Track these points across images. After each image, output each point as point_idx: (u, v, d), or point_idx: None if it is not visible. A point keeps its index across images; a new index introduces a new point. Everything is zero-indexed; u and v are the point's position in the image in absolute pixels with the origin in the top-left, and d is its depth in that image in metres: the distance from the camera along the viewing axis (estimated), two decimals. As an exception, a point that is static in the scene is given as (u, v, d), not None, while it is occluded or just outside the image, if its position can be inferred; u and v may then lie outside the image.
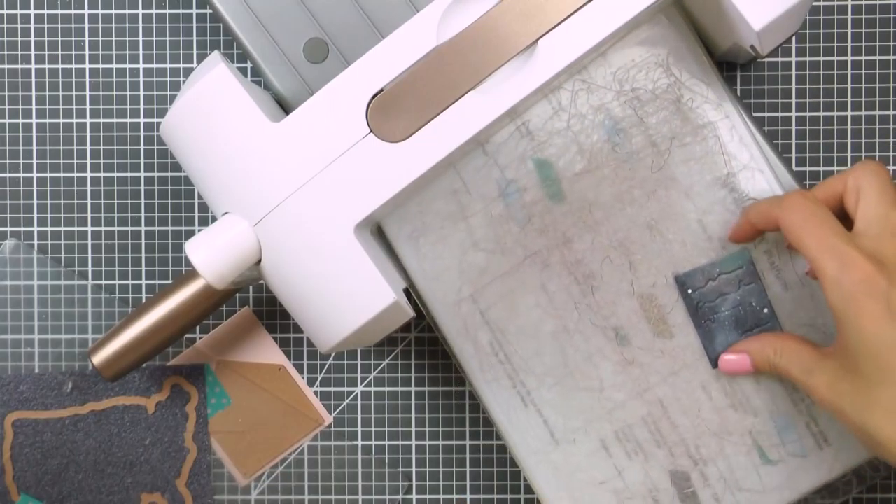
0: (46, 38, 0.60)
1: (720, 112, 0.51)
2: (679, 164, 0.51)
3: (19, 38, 0.60)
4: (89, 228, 0.60)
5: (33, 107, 0.60)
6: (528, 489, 0.59)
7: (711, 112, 0.51)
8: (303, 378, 0.60)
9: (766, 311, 0.51)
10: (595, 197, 0.51)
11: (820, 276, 0.45)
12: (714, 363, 0.51)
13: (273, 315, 0.60)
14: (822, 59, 0.59)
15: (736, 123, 0.51)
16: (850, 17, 0.59)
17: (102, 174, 0.60)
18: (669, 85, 0.51)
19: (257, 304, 0.60)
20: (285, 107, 0.55)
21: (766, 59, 0.59)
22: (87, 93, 0.60)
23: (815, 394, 0.46)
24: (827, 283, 0.44)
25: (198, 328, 0.60)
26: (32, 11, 0.60)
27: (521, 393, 0.52)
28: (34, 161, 0.60)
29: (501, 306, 0.52)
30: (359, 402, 0.60)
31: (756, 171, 0.51)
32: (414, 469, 0.60)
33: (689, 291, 0.51)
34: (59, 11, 0.60)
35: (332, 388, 0.60)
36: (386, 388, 0.60)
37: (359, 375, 0.60)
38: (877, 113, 0.59)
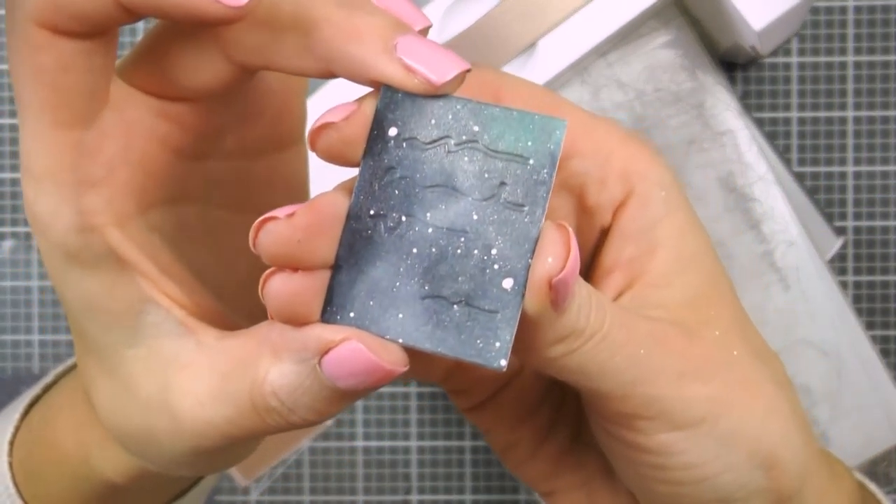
0: (46, 39, 0.60)
1: (742, 120, 0.51)
2: (695, 169, 0.51)
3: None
4: (89, 228, 0.60)
5: (33, 107, 0.60)
6: (528, 489, 0.59)
7: (733, 120, 0.51)
8: (303, 378, 0.60)
9: None
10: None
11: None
12: None
13: (273, 315, 0.60)
14: (822, 59, 0.59)
15: (755, 133, 0.51)
16: (850, 17, 0.59)
17: (102, 174, 0.60)
18: (693, 89, 0.51)
19: (257, 304, 0.60)
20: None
21: (767, 59, 0.59)
22: (87, 93, 0.60)
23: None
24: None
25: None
26: (32, 11, 0.60)
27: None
28: (34, 161, 0.60)
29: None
30: (359, 402, 0.60)
31: (771, 184, 0.51)
32: (414, 469, 0.60)
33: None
34: (59, 11, 0.60)
35: (332, 389, 0.60)
36: (386, 389, 0.60)
37: (359, 376, 0.60)
38: (877, 113, 0.59)
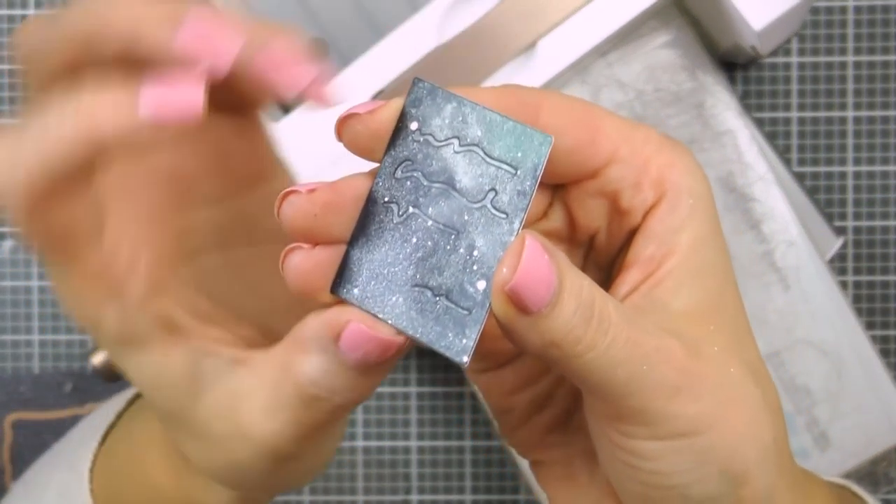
0: (46, 39, 0.60)
1: (742, 120, 0.51)
2: (683, 165, 0.51)
3: (19, 39, 0.60)
4: (89, 228, 0.60)
5: (33, 107, 0.60)
6: (528, 489, 0.59)
7: (733, 120, 0.51)
8: (303, 378, 0.60)
9: None
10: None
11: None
12: None
13: (273, 315, 0.60)
14: (822, 59, 0.59)
15: (755, 133, 0.51)
16: (850, 17, 0.59)
17: (102, 174, 0.60)
18: (693, 89, 0.51)
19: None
20: (285, 107, 0.55)
21: (767, 59, 0.59)
22: (87, 93, 0.60)
23: None
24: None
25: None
26: (33, 12, 0.60)
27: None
28: (34, 161, 0.60)
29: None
30: (359, 402, 0.60)
31: (771, 184, 0.51)
32: (414, 469, 0.60)
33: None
34: (59, 11, 0.60)
35: (332, 389, 0.60)
36: (386, 389, 0.60)
37: (359, 376, 0.60)
38: (877, 113, 0.59)
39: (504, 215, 0.27)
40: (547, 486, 0.33)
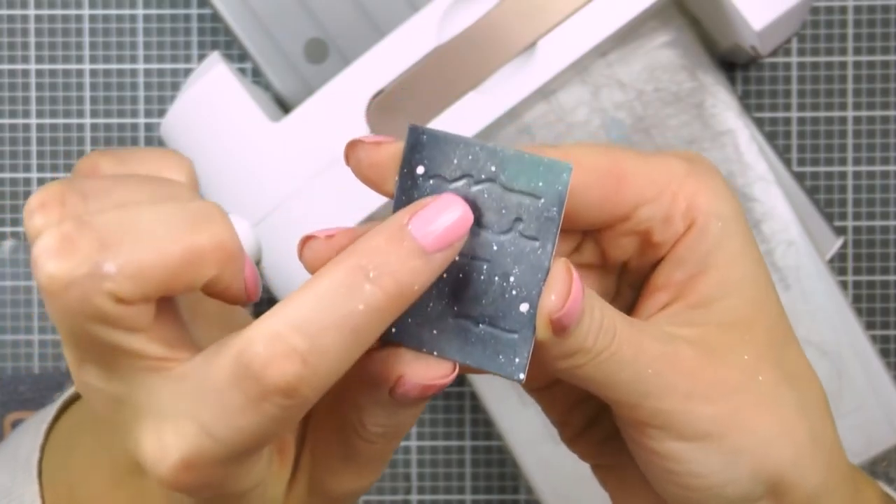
0: (46, 39, 0.60)
1: (741, 120, 0.51)
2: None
3: (19, 39, 0.60)
4: (89, 228, 0.60)
5: (33, 107, 0.60)
6: (528, 489, 0.59)
7: (733, 120, 0.51)
8: (303, 378, 0.60)
9: None
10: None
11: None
12: None
13: (273, 315, 0.60)
14: (822, 59, 0.59)
15: (755, 133, 0.51)
16: (850, 17, 0.59)
17: (102, 174, 0.60)
18: (693, 89, 0.51)
19: (257, 304, 0.60)
20: (285, 107, 0.55)
21: (767, 59, 0.59)
22: (87, 93, 0.60)
23: None
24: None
25: (198, 328, 0.60)
26: (32, 11, 0.60)
27: (521, 392, 0.52)
28: (34, 161, 0.60)
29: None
30: (359, 402, 0.60)
31: (771, 184, 0.51)
32: (414, 469, 0.60)
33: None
34: (60, 11, 0.60)
35: (332, 389, 0.60)
36: (386, 389, 0.60)
37: (359, 376, 0.60)
38: (877, 113, 0.59)
39: (535, 241, 0.28)
40: (606, 488, 0.35)
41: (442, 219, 0.27)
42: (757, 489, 0.30)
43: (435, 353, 0.28)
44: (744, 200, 0.51)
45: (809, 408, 0.31)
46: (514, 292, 0.28)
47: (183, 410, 0.27)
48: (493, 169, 0.28)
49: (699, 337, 0.30)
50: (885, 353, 0.58)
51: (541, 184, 0.28)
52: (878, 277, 0.58)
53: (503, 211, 0.28)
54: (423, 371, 0.28)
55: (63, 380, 0.59)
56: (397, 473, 0.60)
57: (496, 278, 0.28)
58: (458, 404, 0.60)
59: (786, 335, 0.32)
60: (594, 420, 0.34)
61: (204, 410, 0.26)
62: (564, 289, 0.27)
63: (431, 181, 0.29)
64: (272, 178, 0.48)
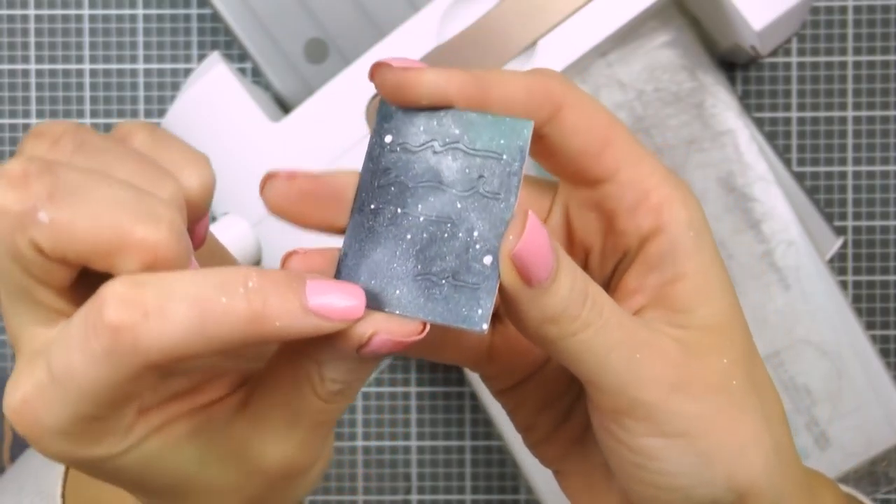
0: (46, 39, 0.60)
1: (741, 120, 0.51)
2: (695, 168, 0.51)
3: (19, 39, 0.60)
4: (89, 228, 0.60)
5: (33, 107, 0.60)
6: (528, 489, 0.59)
7: (733, 120, 0.51)
8: (303, 378, 0.60)
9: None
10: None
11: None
12: None
13: (273, 315, 0.60)
14: (822, 59, 0.59)
15: (755, 133, 0.51)
16: (850, 17, 0.59)
17: (102, 174, 0.60)
18: (693, 89, 0.51)
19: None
20: (285, 107, 0.55)
21: (767, 59, 0.59)
22: (87, 93, 0.60)
23: None
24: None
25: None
26: (32, 11, 0.60)
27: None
28: (34, 161, 0.60)
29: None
30: (359, 402, 0.60)
31: (771, 184, 0.51)
32: (414, 469, 0.60)
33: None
34: (59, 11, 0.60)
35: (332, 389, 0.60)
36: (386, 389, 0.60)
37: (359, 376, 0.60)
38: (877, 113, 0.59)
39: (497, 196, 0.28)
40: (569, 494, 0.34)
41: (335, 299, 0.27)
42: (727, 496, 0.30)
43: (397, 312, 0.29)
44: (744, 200, 0.51)
45: (773, 418, 0.32)
46: (477, 246, 0.28)
47: (44, 354, 0.27)
48: (457, 132, 0.29)
49: (681, 337, 0.30)
50: (885, 353, 0.58)
51: (502, 141, 0.29)
52: (878, 277, 0.58)
53: (466, 170, 0.29)
54: (397, 328, 0.28)
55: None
56: (397, 473, 0.60)
57: (460, 235, 0.29)
58: (458, 404, 0.60)
59: (753, 347, 0.32)
60: (561, 422, 0.34)
61: (53, 351, 0.26)
62: (520, 226, 0.27)
63: (398, 148, 0.29)
64: (272, 178, 0.48)
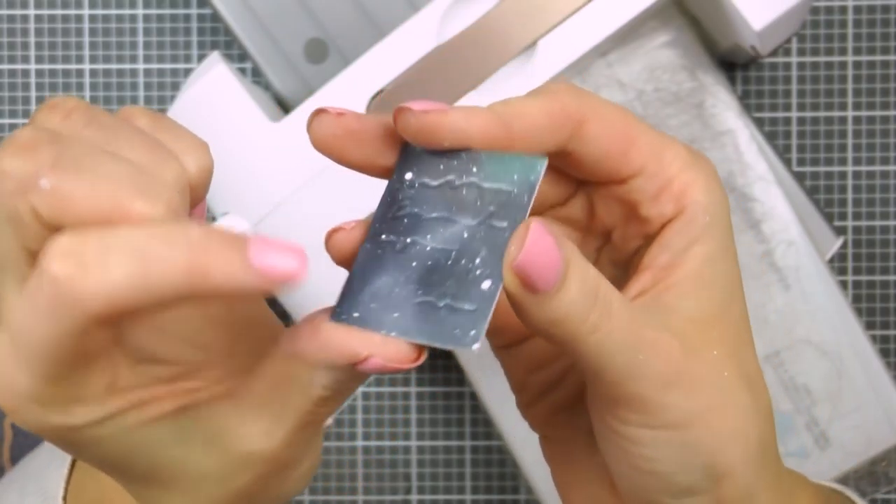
0: (46, 39, 0.60)
1: (741, 120, 0.51)
2: (683, 165, 0.51)
3: (19, 39, 0.60)
4: (89, 228, 0.60)
5: (33, 107, 0.60)
6: (528, 489, 0.59)
7: (733, 120, 0.51)
8: (303, 378, 0.60)
9: None
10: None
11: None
12: None
13: (273, 315, 0.60)
14: (822, 59, 0.59)
15: (755, 133, 0.51)
16: (850, 17, 0.59)
17: (102, 174, 0.60)
18: (693, 89, 0.51)
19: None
20: (285, 107, 0.55)
21: (767, 59, 0.59)
22: (88, 93, 0.60)
23: None
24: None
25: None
26: (32, 11, 0.60)
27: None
28: (34, 161, 0.60)
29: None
30: (359, 402, 0.60)
31: (771, 184, 0.51)
32: (414, 469, 0.60)
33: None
34: (59, 11, 0.60)
35: (332, 389, 0.60)
36: (386, 389, 0.60)
37: (359, 376, 0.60)
38: (877, 113, 0.59)
39: (503, 225, 0.29)
40: (550, 461, 0.35)
41: (277, 259, 0.26)
42: (704, 482, 0.31)
43: (393, 333, 0.29)
44: (744, 200, 0.51)
45: (761, 412, 0.32)
46: (478, 272, 0.29)
47: (6, 316, 0.27)
48: (475, 169, 0.30)
49: (676, 326, 0.31)
50: (885, 353, 0.58)
51: (516, 177, 0.29)
52: (878, 277, 0.58)
53: (478, 204, 0.30)
54: (393, 354, 0.29)
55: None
56: (397, 473, 0.60)
57: (463, 261, 0.29)
58: (458, 404, 0.60)
59: (748, 340, 0.33)
60: (552, 386, 0.35)
61: (12, 311, 0.27)
62: (521, 237, 0.28)
63: (417, 185, 0.30)
64: (272, 178, 0.48)
